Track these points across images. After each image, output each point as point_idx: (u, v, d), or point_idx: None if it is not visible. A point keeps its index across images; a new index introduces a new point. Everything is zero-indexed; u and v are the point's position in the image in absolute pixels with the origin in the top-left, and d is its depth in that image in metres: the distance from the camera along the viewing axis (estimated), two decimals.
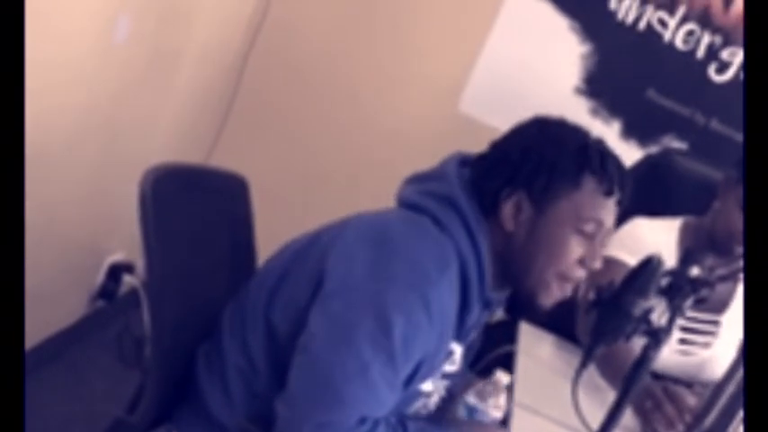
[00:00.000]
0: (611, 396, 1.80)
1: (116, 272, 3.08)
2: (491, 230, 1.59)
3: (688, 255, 1.83)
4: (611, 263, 2.21)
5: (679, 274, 1.79)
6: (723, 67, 3.25)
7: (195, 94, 3.24)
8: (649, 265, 1.65)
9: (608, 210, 1.61)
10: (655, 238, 2.23)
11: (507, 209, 1.59)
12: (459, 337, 1.64)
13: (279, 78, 3.51)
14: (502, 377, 1.57)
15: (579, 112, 3.30)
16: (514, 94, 3.30)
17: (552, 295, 1.62)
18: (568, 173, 1.57)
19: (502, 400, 1.55)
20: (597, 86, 3.33)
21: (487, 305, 1.65)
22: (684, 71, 3.27)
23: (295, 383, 1.48)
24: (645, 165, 2.64)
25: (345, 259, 1.50)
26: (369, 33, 3.44)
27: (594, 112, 3.33)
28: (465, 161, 1.67)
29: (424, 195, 1.61)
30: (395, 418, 1.55)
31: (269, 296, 1.59)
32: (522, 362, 2.01)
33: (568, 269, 1.60)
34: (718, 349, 2.27)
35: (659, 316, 1.76)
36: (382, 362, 1.45)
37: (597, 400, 1.81)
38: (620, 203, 1.63)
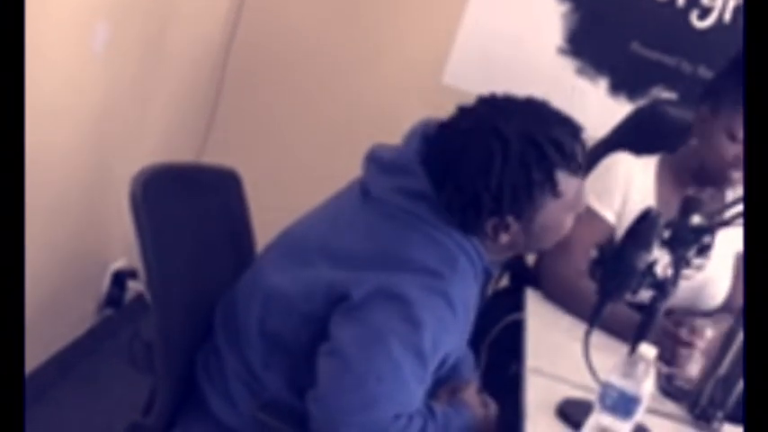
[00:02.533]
0: (623, 353, 1.80)
1: (120, 278, 3.08)
2: (481, 238, 1.64)
3: (687, 204, 1.83)
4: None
5: (680, 223, 1.79)
6: (704, 13, 3.23)
7: (180, 94, 3.23)
8: (648, 217, 1.65)
9: (582, 181, 1.68)
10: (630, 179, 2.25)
11: (493, 230, 1.63)
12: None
13: (262, 69, 3.50)
14: (648, 350, 1.50)
15: (564, 72, 3.30)
16: (498, 61, 3.29)
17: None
18: (545, 184, 1.60)
19: (653, 374, 1.49)
20: (580, 45, 3.31)
21: (488, 274, 1.71)
22: (666, 21, 3.25)
23: (328, 387, 1.52)
24: (635, 118, 2.63)
25: (360, 277, 1.54)
26: (347, 14, 3.42)
27: (580, 71, 3.31)
28: (426, 134, 1.67)
29: (398, 193, 1.62)
30: (424, 405, 1.60)
31: (262, 309, 1.61)
32: (531, 327, 2.01)
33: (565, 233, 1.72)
34: (712, 270, 2.27)
35: (664, 267, 1.77)
36: (413, 360, 1.52)
37: (609, 358, 1.81)
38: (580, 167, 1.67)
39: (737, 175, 2.19)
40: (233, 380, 1.61)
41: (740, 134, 2.14)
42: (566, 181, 1.62)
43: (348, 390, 1.50)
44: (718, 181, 2.22)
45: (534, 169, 1.58)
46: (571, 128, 1.62)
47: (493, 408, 1.76)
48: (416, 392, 1.55)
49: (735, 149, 2.16)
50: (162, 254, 1.60)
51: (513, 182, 1.57)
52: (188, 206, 1.73)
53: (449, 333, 1.57)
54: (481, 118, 1.60)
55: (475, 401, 1.73)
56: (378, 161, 1.69)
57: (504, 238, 1.63)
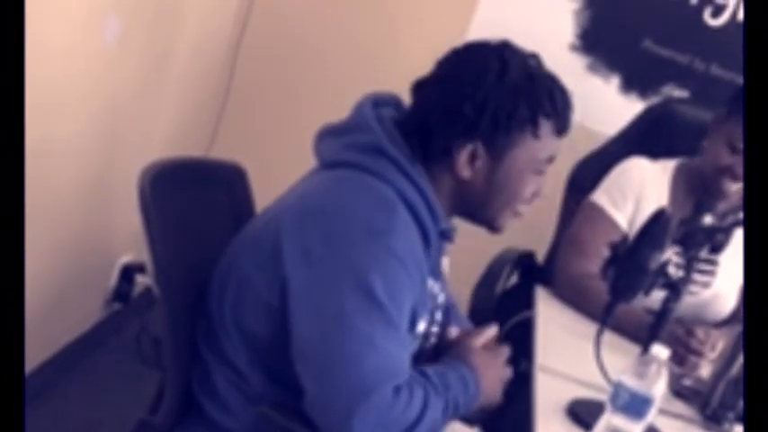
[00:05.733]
0: (634, 353, 1.79)
1: (128, 273, 3.07)
2: (441, 173, 1.59)
3: (700, 204, 1.82)
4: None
5: (693, 223, 1.78)
6: (718, 11, 3.21)
7: (190, 90, 3.22)
8: (661, 217, 1.64)
9: (558, 145, 1.63)
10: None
11: (461, 157, 1.58)
12: (430, 272, 1.63)
13: (271, 66, 3.49)
14: (661, 351, 1.47)
15: (576, 69, 3.28)
16: None
17: (507, 222, 1.67)
18: (526, 123, 1.57)
19: (665, 375, 1.47)
20: (593, 42, 3.29)
21: (444, 235, 1.65)
22: (680, 18, 3.23)
23: (316, 391, 1.47)
24: (646, 117, 2.62)
25: (298, 252, 1.49)
26: (357, 10, 3.41)
27: (592, 68, 3.29)
28: (378, 102, 1.64)
29: (348, 149, 1.59)
30: (416, 371, 1.53)
31: (233, 305, 1.57)
32: (541, 326, 2.00)
33: (523, 203, 1.64)
34: (718, 288, 2.26)
35: (676, 267, 1.76)
36: (381, 326, 1.45)
37: (620, 358, 1.80)
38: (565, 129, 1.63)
39: (733, 186, 2.16)
40: (223, 385, 1.57)
41: (740, 146, 2.12)
42: (545, 131, 1.58)
43: (336, 387, 1.44)
44: (712, 189, 2.18)
45: (522, 102, 1.55)
46: (565, 95, 1.61)
47: (501, 363, 1.66)
48: (401, 355, 1.49)
49: (731, 159, 2.14)
50: (170, 248, 1.59)
51: (498, 103, 1.54)
52: (196, 201, 1.72)
53: (404, 285, 1.49)
54: (485, 43, 1.61)
55: (476, 358, 1.62)
56: (328, 130, 1.66)
57: (466, 171, 1.58)
